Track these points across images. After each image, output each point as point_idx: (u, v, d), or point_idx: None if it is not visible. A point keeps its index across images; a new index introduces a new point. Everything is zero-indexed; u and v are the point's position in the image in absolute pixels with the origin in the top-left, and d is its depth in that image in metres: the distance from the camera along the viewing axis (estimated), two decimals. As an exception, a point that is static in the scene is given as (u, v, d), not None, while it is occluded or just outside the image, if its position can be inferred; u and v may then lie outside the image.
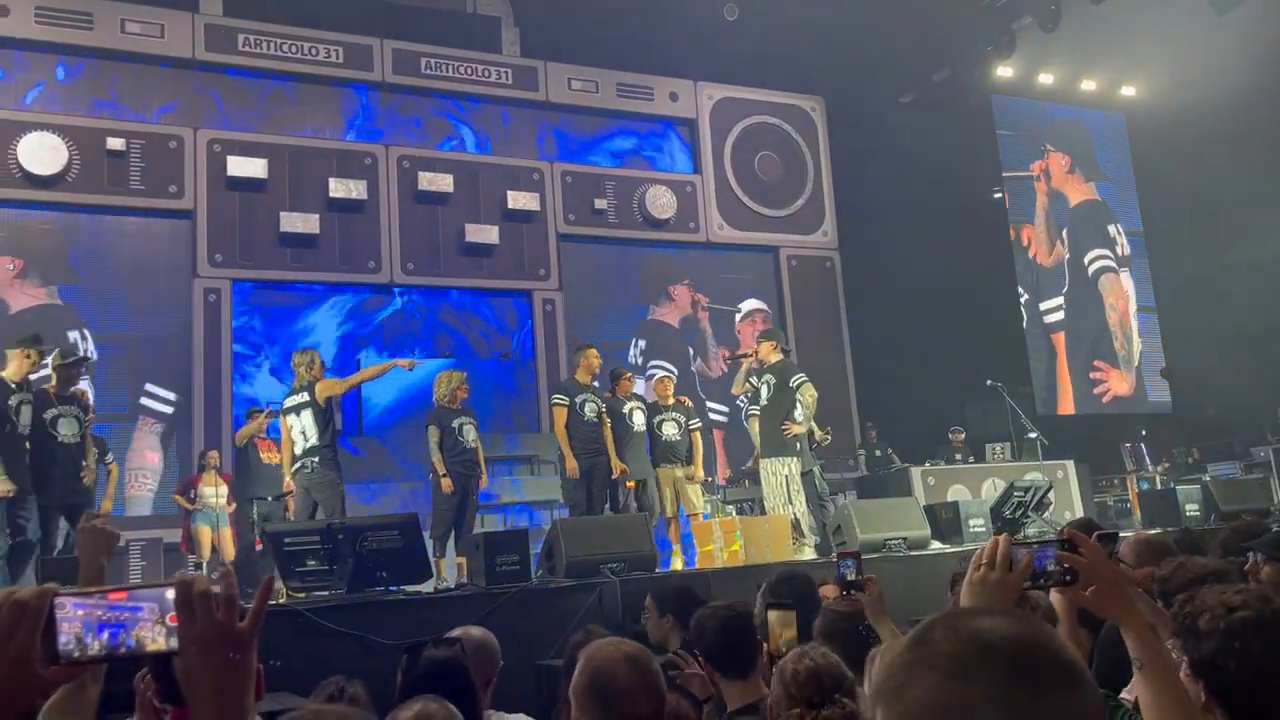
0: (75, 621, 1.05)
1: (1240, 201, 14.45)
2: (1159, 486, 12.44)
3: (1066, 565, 1.65)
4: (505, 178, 12.87)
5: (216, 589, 1.10)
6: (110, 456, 7.90)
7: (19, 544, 6.50)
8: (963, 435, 12.77)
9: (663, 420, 8.61)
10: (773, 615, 2.98)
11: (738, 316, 14.22)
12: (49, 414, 6.79)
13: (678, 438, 8.56)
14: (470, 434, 7.97)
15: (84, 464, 6.98)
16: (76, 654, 1.05)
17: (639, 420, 8.49)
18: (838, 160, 14.96)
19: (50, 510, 6.71)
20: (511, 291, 12.87)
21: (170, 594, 1.08)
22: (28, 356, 6.70)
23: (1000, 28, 14.25)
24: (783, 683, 2.49)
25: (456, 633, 3.10)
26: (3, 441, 6.47)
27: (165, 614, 1.08)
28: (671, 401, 8.75)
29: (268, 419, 9.28)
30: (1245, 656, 1.69)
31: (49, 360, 6.97)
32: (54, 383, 6.99)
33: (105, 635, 1.06)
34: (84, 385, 7.33)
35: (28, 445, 6.68)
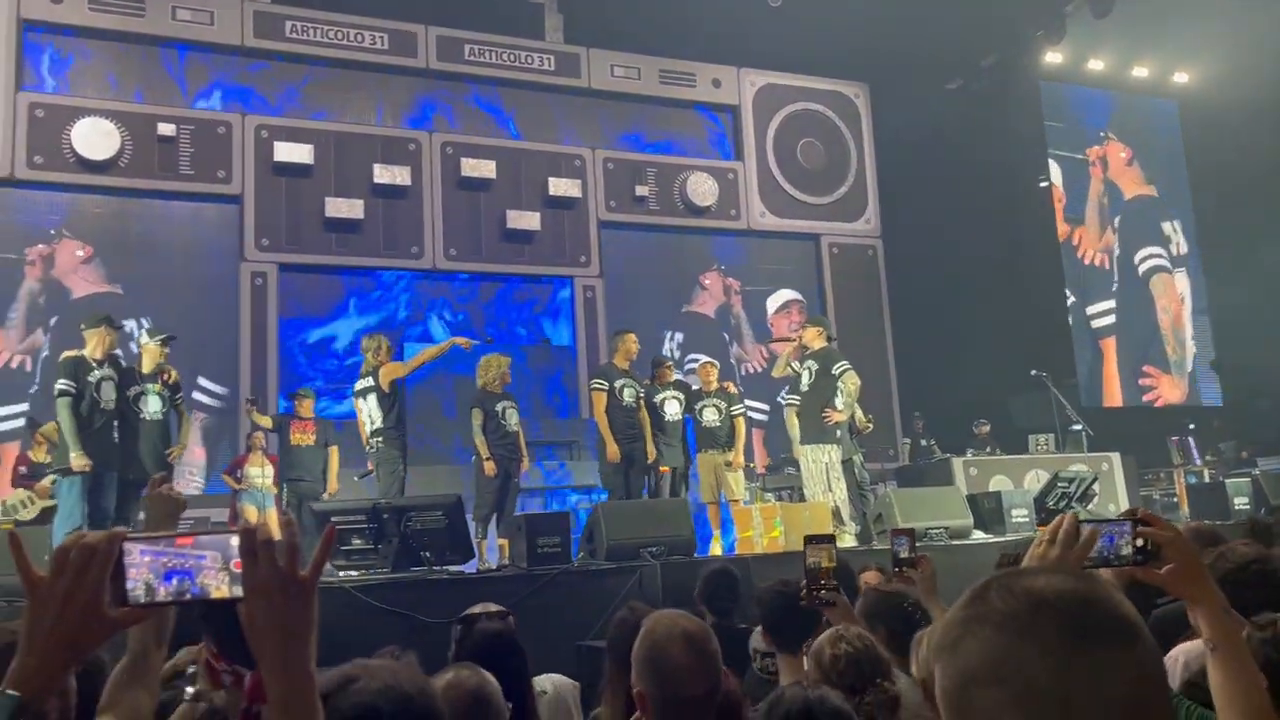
0: (142, 566, 1.09)
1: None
2: (1206, 480, 12.23)
3: (1142, 543, 1.61)
4: (547, 164, 12.90)
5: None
6: (180, 396, 7.65)
7: (96, 522, 6.63)
8: (987, 428, 12.65)
9: (704, 406, 8.62)
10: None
11: (771, 307, 14.05)
12: (133, 391, 6.91)
13: (718, 423, 8.57)
14: (513, 418, 8.05)
15: (172, 443, 7.11)
16: (144, 598, 1.09)
17: (672, 410, 8.51)
18: (882, 147, 14.82)
19: (131, 487, 6.79)
20: (553, 278, 12.93)
21: (234, 541, 1.10)
22: (102, 336, 6.83)
23: (1050, 12, 14.01)
24: (820, 668, 2.48)
25: (447, 677, 3.06)
26: (83, 418, 6.60)
27: (229, 561, 1.10)
28: (714, 387, 8.76)
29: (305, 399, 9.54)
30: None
31: (137, 339, 7.09)
32: (141, 361, 7.11)
33: (173, 581, 1.09)
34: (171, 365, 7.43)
35: (115, 423, 6.78)
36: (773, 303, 14.20)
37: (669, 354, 12.91)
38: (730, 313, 14.02)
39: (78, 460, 6.49)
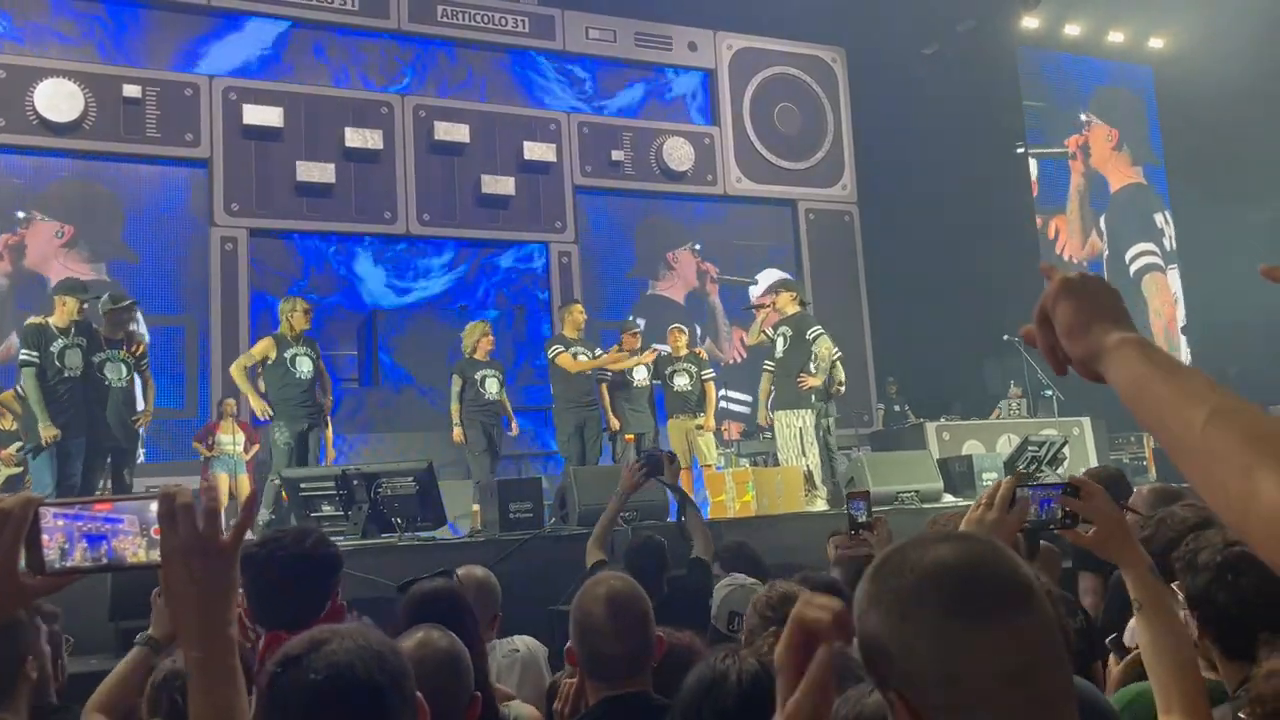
0: (58, 532, 1.06)
1: (1268, 157, 14.19)
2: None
3: (1068, 509, 1.66)
4: (522, 128, 12.77)
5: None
6: (146, 363, 7.57)
7: (64, 488, 6.58)
8: (1019, 391, 12.34)
9: (674, 371, 8.66)
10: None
11: (754, 292, 12.95)
12: (97, 358, 6.85)
13: (689, 388, 8.61)
14: (492, 386, 8.11)
15: (138, 409, 7.04)
16: (60, 564, 1.06)
17: (639, 375, 8.57)
18: (858, 113, 14.75)
19: (96, 453, 6.78)
20: (528, 243, 12.83)
21: (154, 507, 1.09)
22: (65, 304, 6.76)
23: (1027, -24, 13.93)
24: (756, 611, 2.51)
25: (461, 571, 3.14)
26: (49, 386, 6.56)
27: (147, 527, 1.09)
28: (684, 352, 8.78)
29: None
30: (1235, 589, 1.72)
31: (99, 305, 7.01)
32: (104, 327, 7.04)
33: (87, 546, 1.07)
34: (142, 330, 7.36)
35: (81, 391, 6.73)
36: (764, 279, 13.61)
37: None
38: (705, 300, 13.68)
39: (47, 431, 6.45)
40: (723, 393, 9.28)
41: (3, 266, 10.45)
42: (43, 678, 2.28)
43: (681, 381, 8.64)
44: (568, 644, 2.25)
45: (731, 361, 13.44)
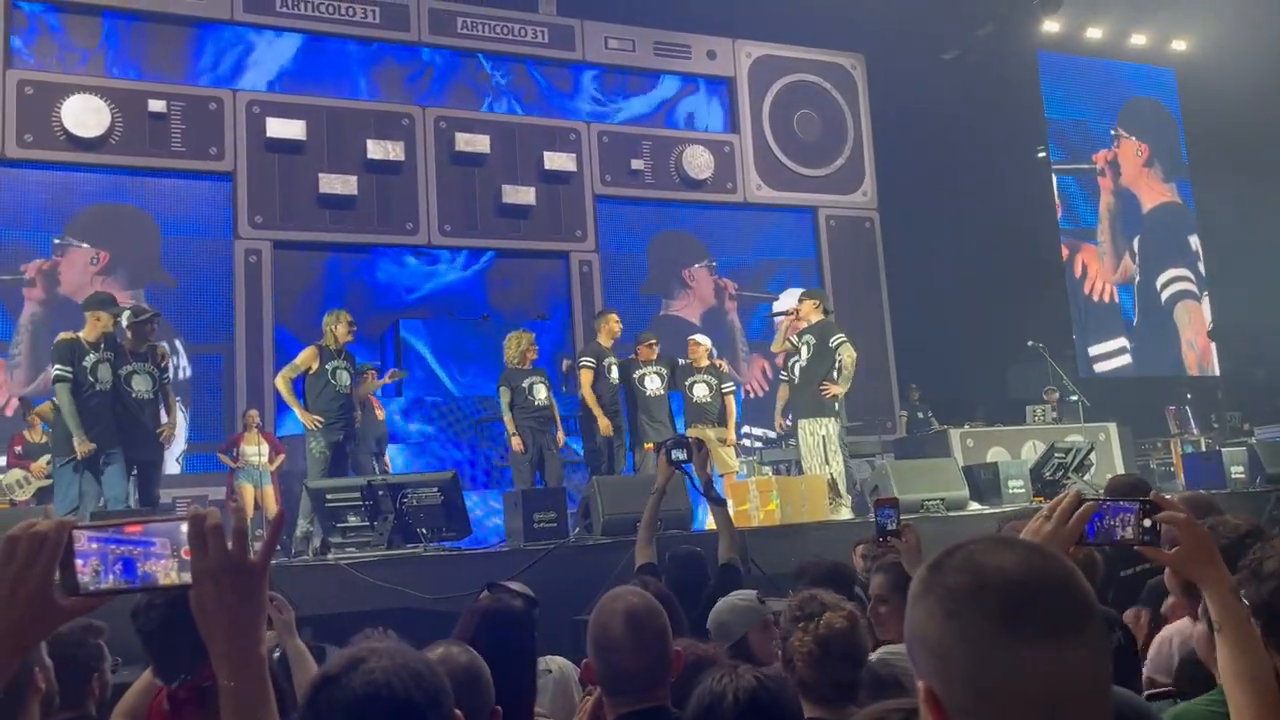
0: (92, 555, 1.09)
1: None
2: (1203, 450, 12.23)
3: (1150, 524, 1.61)
4: (542, 138, 12.82)
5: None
6: (167, 377, 7.61)
7: (92, 502, 6.63)
8: (1056, 395, 12.15)
9: (694, 382, 8.65)
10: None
11: (775, 310, 12.11)
12: (124, 370, 6.92)
13: (709, 399, 8.60)
14: (541, 392, 8.15)
15: (162, 421, 7.10)
16: (93, 586, 1.09)
17: (653, 386, 8.54)
18: (878, 119, 14.72)
19: (125, 465, 6.83)
20: (549, 253, 12.87)
21: (184, 528, 1.10)
22: (98, 319, 6.84)
23: (1047, -20, 13.87)
24: (789, 611, 2.51)
25: (439, 652, 3.07)
26: (83, 401, 6.64)
27: (178, 548, 1.10)
28: (704, 364, 8.77)
29: (389, 378, 9.76)
30: None
31: (123, 318, 7.08)
32: (129, 340, 7.11)
33: (120, 568, 1.09)
34: (163, 343, 7.44)
35: (111, 404, 6.80)
36: (785, 299, 12.99)
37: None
38: (723, 319, 13.48)
39: (82, 445, 6.53)
40: (744, 430, 9.19)
41: (35, 293, 10.47)
42: (50, 690, 2.32)
43: (700, 392, 8.63)
44: (584, 660, 2.24)
45: (751, 393, 13.05)
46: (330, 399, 7.46)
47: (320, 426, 7.37)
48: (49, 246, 10.56)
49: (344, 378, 7.56)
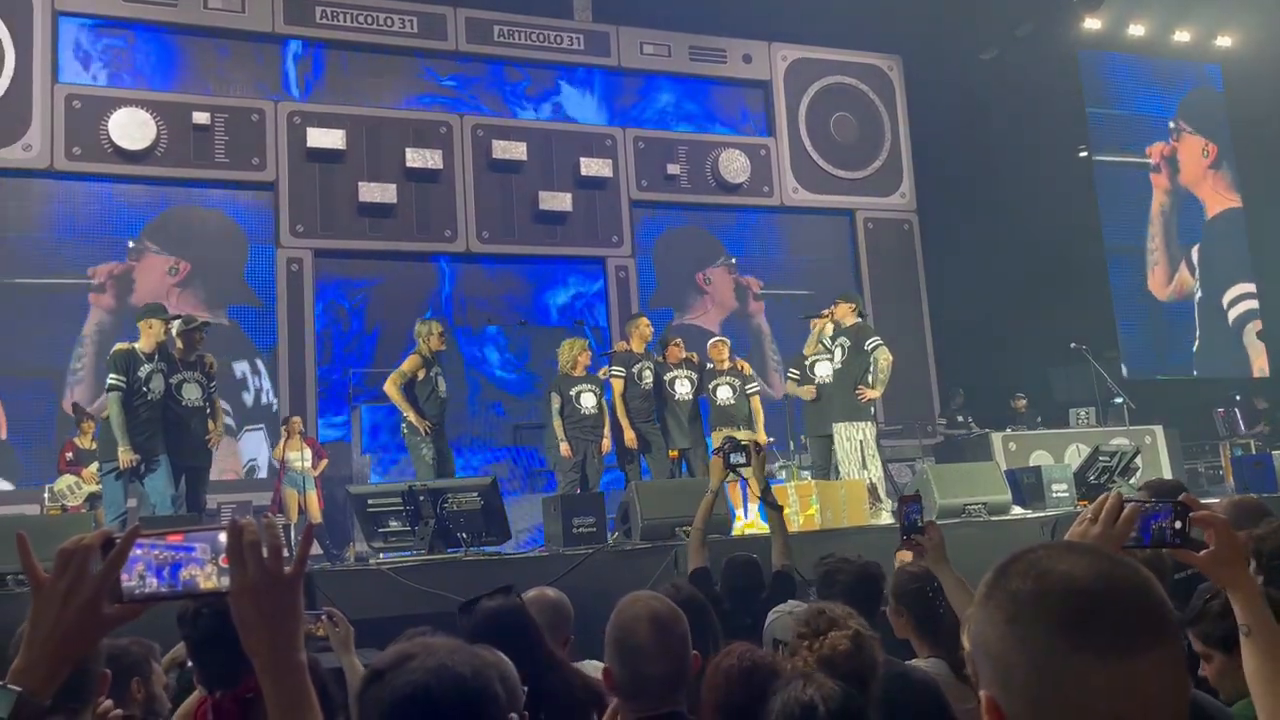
0: (136, 562, 1.13)
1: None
2: (1254, 452, 11.99)
3: (1181, 526, 1.60)
4: (578, 144, 12.88)
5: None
6: (214, 385, 7.70)
7: (140, 509, 6.75)
8: (1024, 401, 12.42)
9: (717, 385, 8.60)
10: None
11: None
12: (175, 379, 7.04)
13: (733, 401, 8.54)
14: (588, 400, 8.18)
15: (210, 428, 7.20)
16: (137, 591, 1.13)
17: (682, 390, 8.51)
18: (916, 120, 14.61)
19: (174, 473, 6.93)
20: (586, 259, 12.91)
21: (222, 537, 1.14)
22: (151, 327, 6.94)
23: (1087, -23, 13.70)
24: (795, 626, 2.50)
25: (533, 593, 3.15)
26: (134, 410, 6.74)
27: (218, 555, 1.14)
28: (727, 366, 8.72)
29: None
30: None
31: (173, 328, 7.20)
32: (179, 348, 7.23)
33: (163, 574, 1.13)
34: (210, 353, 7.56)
35: (161, 412, 6.91)
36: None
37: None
38: (747, 323, 13.30)
39: (125, 455, 6.64)
40: (778, 463, 9.03)
41: (105, 300, 10.52)
42: (147, 697, 2.36)
43: (724, 394, 8.58)
44: (604, 665, 2.23)
45: (779, 397, 12.23)
46: (435, 405, 7.61)
47: (430, 431, 7.49)
48: (124, 251, 10.67)
49: (443, 384, 7.73)
